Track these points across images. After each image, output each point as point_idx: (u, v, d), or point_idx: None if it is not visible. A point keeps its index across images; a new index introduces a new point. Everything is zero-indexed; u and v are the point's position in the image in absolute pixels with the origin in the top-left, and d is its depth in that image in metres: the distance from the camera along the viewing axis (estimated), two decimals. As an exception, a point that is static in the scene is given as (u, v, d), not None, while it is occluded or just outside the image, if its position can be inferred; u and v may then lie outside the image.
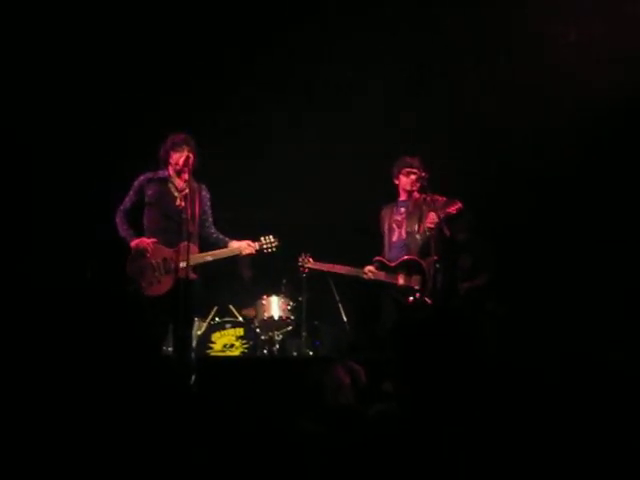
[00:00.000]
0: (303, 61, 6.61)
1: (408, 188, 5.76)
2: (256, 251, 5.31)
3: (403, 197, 5.84)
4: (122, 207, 5.18)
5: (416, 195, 5.79)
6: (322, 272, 6.08)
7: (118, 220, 5.14)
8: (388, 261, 5.75)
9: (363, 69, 6.69)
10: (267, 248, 5.34)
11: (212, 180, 5.41)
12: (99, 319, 6.15)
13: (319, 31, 6.39)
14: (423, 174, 5.64)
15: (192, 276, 4.92)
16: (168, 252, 5.03)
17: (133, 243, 5.04)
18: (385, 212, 5.90)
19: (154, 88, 6.54)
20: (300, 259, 6.03)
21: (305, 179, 6.95)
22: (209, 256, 5.14)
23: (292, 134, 6.86)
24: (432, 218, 5.54)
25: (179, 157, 5.11)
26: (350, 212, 6.90)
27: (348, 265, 5.85)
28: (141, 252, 5.00)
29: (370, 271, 5.73)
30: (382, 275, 5.73)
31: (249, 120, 6.97)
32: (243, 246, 5.25)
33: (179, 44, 6.39)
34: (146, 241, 5.02)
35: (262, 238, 5.33)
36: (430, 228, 5.57)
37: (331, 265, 5.92)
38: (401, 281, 5.68)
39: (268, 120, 6.93)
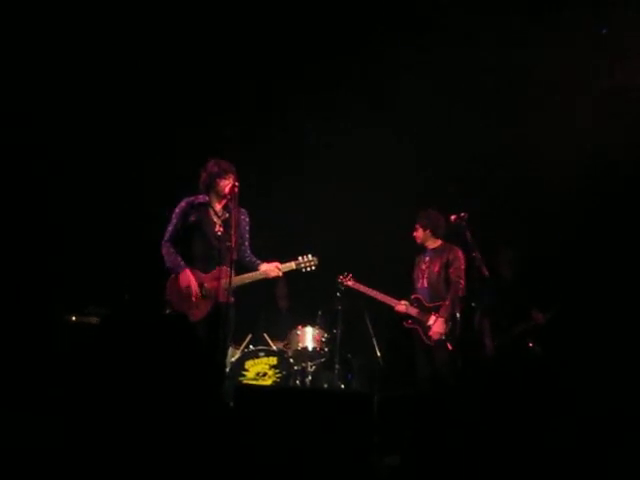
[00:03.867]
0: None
1: (418, 242, 6.28)
2: (293, 270, 5.33)
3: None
4: (168, 237, 5.18)
5: (433, 244, 6.24)
6: (361, 305, 6.43)
7: (165, 251, 5.14)
8: (425, 301, 6.12)
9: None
10: (305, 267, 5.36)
11: (254, 206, 5.44)
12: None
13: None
14: (422, 229, 6.19)
15: (230, 300, 4.95)
16: (204, 277, 5.08)
17: (183, 277, 5.04)
18: (416, 260, 6.35)
19: (191, 112, 6.68)
20: (341, 277, 6.37)
21: (345, 209, 7.03)
22: (237, 280, 5.12)
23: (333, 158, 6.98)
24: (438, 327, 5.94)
25: (226, 185, 5.16)
26: (390, 243, 6.97)
27: (385, 293, 6.24)
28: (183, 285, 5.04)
29: (402, 305, 6.16)
30: (414, 312, 6.13)
31: (288, 143, 7.10)
32: (270, 269, 5.26)
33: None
34: (193, 283, 5.03)
35: (300, 257, 5.36)
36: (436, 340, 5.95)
37: (369, 289, 6.30)
38: (431, 322, 6.02)
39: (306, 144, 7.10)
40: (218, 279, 5.01)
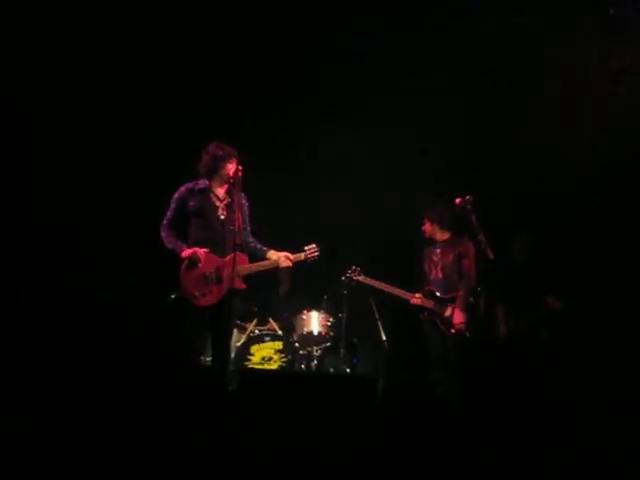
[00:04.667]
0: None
1: (426, 235, 6.37)
2: (301, 261, 5.32)
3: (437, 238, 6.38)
4: (165, 221, 5.15)
5: (442, 237, 6.34)
6: (367, 288, 6.38)
7: (164, 234, 5.11)
8: (440, 292, 6.21)
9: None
10: (310, 257, 5.36)
11: (256, 191, 5.39)
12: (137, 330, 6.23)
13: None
14: (430, 223, 6.30)
15: (242, 286, 5.00)
16: (220, 261, 5.02)
17: (185, 253, 5.00)
18: (425, 252, 6.42)
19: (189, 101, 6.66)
20: (350, 271, 6.39)
21: (355, 196, 7.06)
22: (255, 267, 5.17)
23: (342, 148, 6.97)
24: (458, 318, 6.00)
25: (230, 168, 5.10)
26: (399, 230, 6.97)
27: (397, 287, 6.28)
28: (194, 262, 4.99)
29: (418, 297, 6.20)
30: (430, 304, 6.21)
31: (293, 133, 7.06)
32: (282, 259, 5.24)
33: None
34: (200, 251, 4.99)
35: (305, 247, 5.36)
36: (459, 329, 5.99)
37: (381, 283, 6.32)
38: (448, 313, 6.10)
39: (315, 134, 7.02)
40: (233, 265, 4.94)
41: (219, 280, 4.99)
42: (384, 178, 7.10)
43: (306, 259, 5.35)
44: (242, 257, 5.04)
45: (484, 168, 6.96)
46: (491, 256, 5.29)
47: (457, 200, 5.50)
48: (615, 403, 4.91)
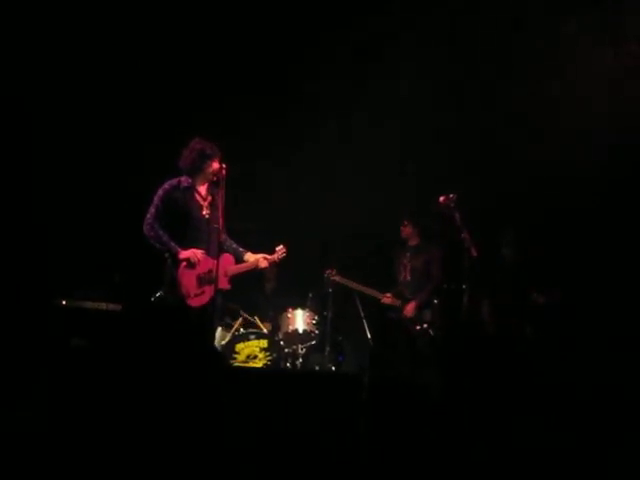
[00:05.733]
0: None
1: (402, 236, 6.70)
2: (275, 262, 5.41)
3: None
4: (151, 218, 5.01)
5: (414, 242, 6.68)
6: (345, 287, 6.61)
7: (153, 233, 4.98)
8: (407, 293, 6.58)
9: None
10: (281, 257, 5.43)
11: (239, 189, 5.36)
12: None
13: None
14: (411, 227, 6.61)
15: (228, 286, 5.09)
16: (212, 262, 4.98)
17: (184, 255, 4.96)
18: (395, 253, 6.77)
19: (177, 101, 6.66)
20: (327, 272, 6.60)
21: (336, 193, 7.09)
22: (243, 268, 5.27)
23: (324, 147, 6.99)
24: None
25: (216, 166, 5.05)
26: (375, 229, 7.07)
27: (370, 287, 6.59)
28: (193, 264, 4.98)
29: (388, 297, 6.56)
30: (398, 303, 6.57)
31: (278, 131, 7.04)
32: (260, 260, 5.30)
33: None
34: (198, 253, 4.99)
35: (276, 249, 5.41)
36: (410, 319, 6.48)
37: (355, 283, 6.59)
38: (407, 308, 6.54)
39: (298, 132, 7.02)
40: (222, 266, 4.99)
41: (211, 280, 4.99)
42: (368, 177, 7.11)
43: (279, 260, 5.43)
44: (229, 257, 5.09)
45: (469, 167, 7.00)
46: (475, 254, 5.31)
47: (441, 198, 5.51)
48: (601, 396, 4.95)
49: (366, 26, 6.51)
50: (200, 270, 5.01)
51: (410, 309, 6.49)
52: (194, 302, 4.98)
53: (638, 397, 4.52)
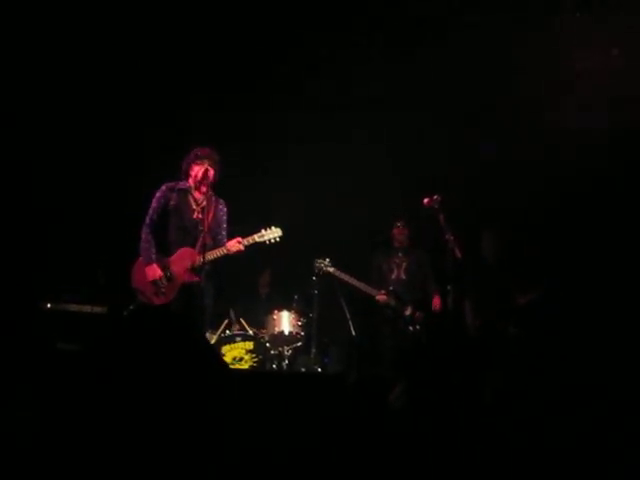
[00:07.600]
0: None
1: (394, 236, 6.71)
2: (257, 243, 5.17)
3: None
4: (149, 221, 5.18)
5: (403, 244, 6.71)
6: (337, 287, 6.55)
7: (144, 236, 5.15)
8: (401, 292, 6.59)
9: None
10: (269, 239, 5.20)
11: (233, 195, 5.42)
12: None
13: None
14: (406, 229, 6.66)
15: (194, 279, 5.03)
16: (168, 261, 5.12)
17: (150, 276, 5.08)
18: (381, 252, 6.77)
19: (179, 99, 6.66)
20: (318, 262, 6.46)
21: (325, 194, 7.10)
22: (208, 256, 5.03)
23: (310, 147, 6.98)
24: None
25: (199, 170, 5.14)
26: (366, 228, 7.07)
27: (365, 282, 6.49)
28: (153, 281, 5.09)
29: (383, 295, 6.52)
30: (393, 302, 6.56)
31: (266, 130, 7.08)
32: (232, 244, 5.11)
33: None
34: (159, 274, 5.08)
35: (262, 230, 5.21)
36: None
37: (350, 277, 6.48)
38: (408, 312, 6.55)
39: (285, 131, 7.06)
40: (181, 260, 5.07)
41: (169, 279, 5.10)
42: (355, 178, 7.14)
43: (261, 241, 5.17)
44: (189, 251, 5.09)
45: (453, 168, 7.03)
46: (459, 255, 5.35)
47: (425, 200, 5.54)
48: (584, 398, 4.98)
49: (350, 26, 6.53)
50: (149, 278, 5.10)
51: (437, 303, 6.52)
52: (157, 301, 5.08)
53: (626, 396, 4.55)
